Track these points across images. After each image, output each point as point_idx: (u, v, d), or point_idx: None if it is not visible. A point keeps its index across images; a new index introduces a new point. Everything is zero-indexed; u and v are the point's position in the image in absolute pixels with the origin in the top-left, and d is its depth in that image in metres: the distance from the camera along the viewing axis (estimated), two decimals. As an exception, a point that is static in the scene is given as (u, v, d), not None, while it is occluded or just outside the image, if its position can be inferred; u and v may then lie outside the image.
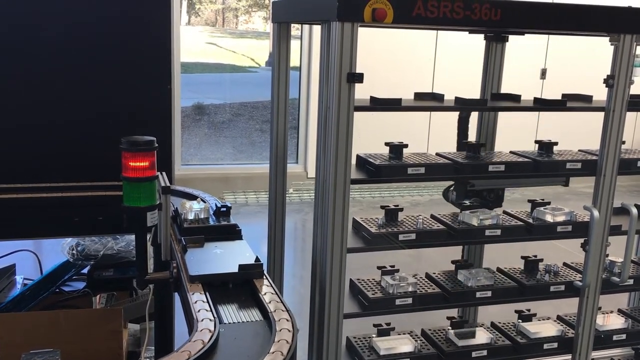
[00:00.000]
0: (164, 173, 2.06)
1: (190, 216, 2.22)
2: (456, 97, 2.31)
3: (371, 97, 2.17)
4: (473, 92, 2.65)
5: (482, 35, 2.68)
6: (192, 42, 12.89)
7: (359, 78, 1.92)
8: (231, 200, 6.40)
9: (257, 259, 1.89)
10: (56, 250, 3.10)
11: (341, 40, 1.88)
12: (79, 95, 2.65)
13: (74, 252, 2.96)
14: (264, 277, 1.85)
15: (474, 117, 2.63)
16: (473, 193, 2.44)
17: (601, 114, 2.31)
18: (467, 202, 2.46)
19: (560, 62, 7.32)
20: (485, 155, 2.41)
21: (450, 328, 2.49)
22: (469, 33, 2.45)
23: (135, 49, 2.69)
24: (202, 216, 2.23)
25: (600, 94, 2.51)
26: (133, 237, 2.92)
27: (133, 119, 2.70)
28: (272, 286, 1.81)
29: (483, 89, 2.70)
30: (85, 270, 3.06)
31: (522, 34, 2.44)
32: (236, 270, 1.84)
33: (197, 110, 10.17)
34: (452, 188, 2.50)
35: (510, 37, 2.68)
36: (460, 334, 2.44)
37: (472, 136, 2.65)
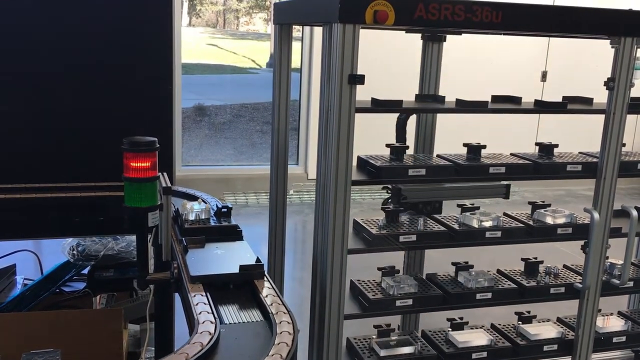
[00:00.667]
0: (165, 174, 2.06)
1: (191, 217, 2.22)
2: (457, 99, 2.32)
3: (372, 98, 2.17)
4: (472, 93, 2.65)
5: (481, 37, 2.68)
6: (193, 43, 12.91)
7: (360, 80, 1.92)
8: (231, 202, 6.40)
9: (257, 260, 1.90)
10: (56, 251, 3.10)
11: (343, 41, 1.88)
12: (79, 96, 2.66)
13: (74, 252, 2.96)
14: (265, 277, 1.86)
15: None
16: (409, 205, 2.43)
17: (601, 117, 2.31)
18: (405, 214, 2.43)
19: (560, 65, 7.33)
20: (484, 157, 2.41)
21: (450, 329, 2.50)
22: (406, 32, 2.40)
23: (137, 50, 2.69)
24: (203, 217, 2.23)
25: (600, 96, 2.51)
26: (133, 237, 2.93)
27: (134, 120, 2.70)
28: (272, 287, 1.82)
29: (420, 89, 2.65)
30: (85, 271, 3.05)
31: (460, 34, 2.40)
32: (237, 271, 1.84)
33: (198, 111, 10.19)
34: (389, 200, 2.50)
35: (512, 40, 2.68)
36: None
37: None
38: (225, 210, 2.28)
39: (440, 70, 2.65)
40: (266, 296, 1.75)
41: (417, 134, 2.73)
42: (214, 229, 2.17)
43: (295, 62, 6.72)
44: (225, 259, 1.98)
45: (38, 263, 3.46)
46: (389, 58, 6.49)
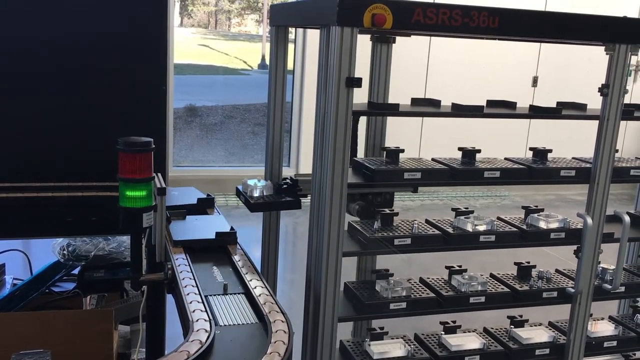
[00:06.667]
0: (159, 174, 2.05)
1: (256, 193, 2.35)
2: (453, 103, 2.32)
3: (369, 102, 2.17)
4: (463, 98, 2.67)
5: (472, 42, 2.69)
6: (185, 44, 12.88)
7: (358, 82, 1.92)
8: (222, 203, 6.38)
9: (231, 228, 2.19)
10: (46, 251, 3.07)
11: (340, 44, 1.88)
12: (73, 95, 2.64)
13: (64, 252, 2.93)
14: (237, 244, 2.13)
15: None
16: (359, 196, 2.42)
17: (592, 122, 2.33)
18: (354, 205, 2.41)
19: (551, 70, 7.39)
20: (479, 161, 2.42)
21: (443, 333, 2.50)
22: (359, 33, 2.31)
23: (131, 50, 2.68)
24: (266, 193, 2.38)
25: (590, 101, 2.54)
26: (124, 238, 2.92)
27: (128, 120, 2.68)
28: (243, 251, 2.09)
29: (369, 92, 2.55)
30: (75, 271, 3.03)
31: (409, 35, 2.33)
32: (213, 237, 2.13)
33: (189, 112, 10.16)
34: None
35: (503, 45, 2.69)
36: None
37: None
38: (286, 185, 2.37)
39: (390, 72, 2.55)
40: (260, 297, 1.76)
41: (366, 138, 2.64)
42: (277, 204, 2.37)
43: (288, 64, 6.73)
44: (203, 227, 2.26)
45: (27, 263, 3.43)
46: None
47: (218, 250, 2.12)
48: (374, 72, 2.55)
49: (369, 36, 2.48)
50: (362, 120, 2.44)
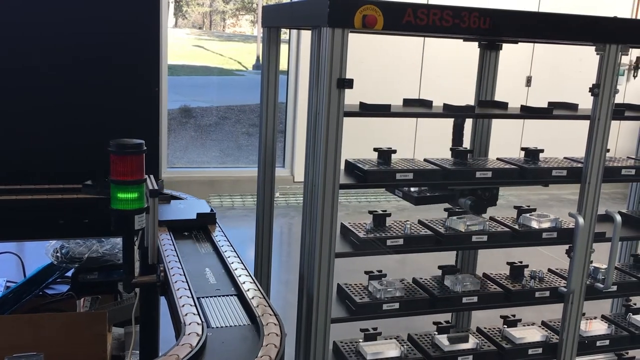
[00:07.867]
0: (151, 176, 2.05)
1: (413, 188, 2.38)
2: (444, 104, 2.33)
3: (360, 102, 2.17)
4: (459, 98, 2.67)
5: (469, 43, 2.71)
6: (179, 45, 12.87)
7: (349, 84, 1.92)
8: (217, 204, 6.38)
9: (211, 210, 2.35)
10: (40, 253, 3.06)
11: (332, 46, 1.89)
12: (65, 97, 2.63)
13: (58, 254, 2.93)
14: (216, 223, 2.28)
15: (468, 123, 2.67)
16: (469, 191, 2.46)
17: (584, 122, 2.34)
18: (465, 200, 2.47)
19: (545, 70, 7.41)
20: (473, 161, 2.43)
21: (436, 333, 2.51)
22: (464, 41, 2.46)
23: (124, 51, 2.67)
24: (422, 188, 2.41)
25: (583, 101, 2.54)
26: (118, 240, 2.91)
27: (120, 122, 2.68)
28: (221, 230, 2.22)
29: (477, 96, 2.73)
30: (69, 273, 3.02)
31: (516, 42, 2.46)
32: (195, 217, 2.29)
33: (184, 113, 10.15)
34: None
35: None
36: (452, 338, 2.46)
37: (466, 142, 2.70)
38: None
39: (496, 77, 2.74)
40: (253, 299, 1.75)
41: (472, 139, 2.81)
42: (439, 197, 2.43)
43: (282, 64, 6.73)
44: (186, 209, 2.45)
45: (21, 265, 3.42)
46: (374, 62, 6.51)
47: (199, 229, 2.28)
48: (482, 76, 2.72)
49: (476, 43, 2.71)
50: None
